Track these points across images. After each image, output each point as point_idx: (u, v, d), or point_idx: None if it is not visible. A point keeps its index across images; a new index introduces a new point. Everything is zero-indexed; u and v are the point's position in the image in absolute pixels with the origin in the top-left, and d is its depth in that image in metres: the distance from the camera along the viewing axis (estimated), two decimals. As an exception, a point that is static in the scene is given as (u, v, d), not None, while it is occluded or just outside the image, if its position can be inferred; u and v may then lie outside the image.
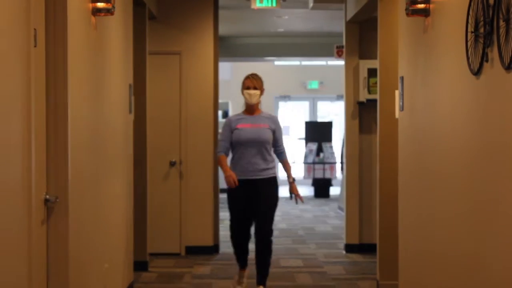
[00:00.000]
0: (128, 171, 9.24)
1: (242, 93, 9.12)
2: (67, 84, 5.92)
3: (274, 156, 9.29)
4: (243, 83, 9.14)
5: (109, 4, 6.97)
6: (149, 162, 11.02)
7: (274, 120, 9.20)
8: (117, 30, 8.33)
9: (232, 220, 9.17)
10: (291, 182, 9.20)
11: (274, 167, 9.14)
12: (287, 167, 9.27)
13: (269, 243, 8.98)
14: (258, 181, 8.98)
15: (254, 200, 8.97)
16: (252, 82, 9.10)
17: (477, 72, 5.47)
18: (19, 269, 4.90)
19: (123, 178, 8.88)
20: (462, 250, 5.95)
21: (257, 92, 9.07)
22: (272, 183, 9.08)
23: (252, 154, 8.97)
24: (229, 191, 9.05)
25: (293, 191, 9.19)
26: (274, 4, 12.29)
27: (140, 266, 10.51)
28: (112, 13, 7.10)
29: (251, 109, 9.16)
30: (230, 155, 9.26)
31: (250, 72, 9.38)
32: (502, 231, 5.02)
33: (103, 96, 7.58)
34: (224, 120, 10.04)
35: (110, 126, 7.96)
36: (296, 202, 9.29)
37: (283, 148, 9.24)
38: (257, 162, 8.98)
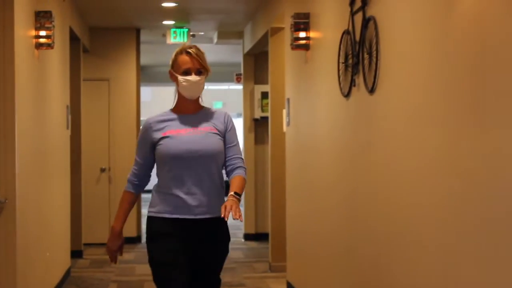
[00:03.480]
0: (66, 176, 9.13)
1: (175, 80, 4.33)
2: (14, 105, 5.84)
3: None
4: (178, 62, 4.33)
5: (49, 39, 6.91)
6: (83, 169, 10.90)
7: (223, 119, 4.41)
8: (57, 61, 8.22)
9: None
10: (233, 195, 4.10)
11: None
12: (237, 180, 4.25)
13: None
14: (205, 223, 4.22)
15: (195, 256, 4.24)
16: (195, 63, 4.32)
17: (347, 95, 5.55)
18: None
19: (62, 182, 8.77)
20: (335, 233, 6.02)
21: (202, 78, 4.32)
22: (224, 229, 4.32)
23: (195, 178, 4.21)
24: (151, 238, 4.35)
25: (227, 204, 4.01)
26: (185, 40, 12.25)
27: (76, 254, 10.37)
28: (52, 47, 7.03)
29: (187, 105, 4.36)
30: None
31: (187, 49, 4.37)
32: (362, 215, 5.11)
33: (45, 115, 7.48)
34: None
35: (51, 140, 7.85)
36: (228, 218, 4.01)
37: (240, 162, 4.35)
38: (203, 190, 4.21)
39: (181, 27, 12.09)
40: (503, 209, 3.00)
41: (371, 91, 4.90)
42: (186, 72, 4.29)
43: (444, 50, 3.67)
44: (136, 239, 12.05)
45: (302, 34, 7.08)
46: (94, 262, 10.40)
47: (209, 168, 4.27)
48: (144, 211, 11.59)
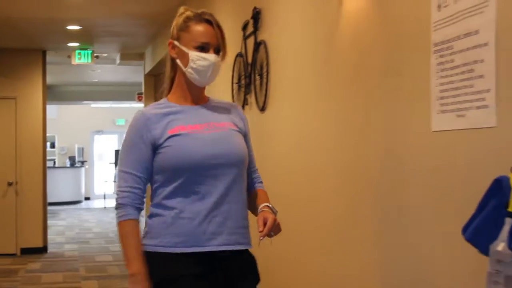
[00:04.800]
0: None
1: (179, 57, 2.91)
2: None
3: None
4: (192, 32, 2.81)
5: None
6: (-10, 183, 10.68)
7: (240, 114, 2.94)
8: (-35, 79, 8.08)
9: None
10: (267, 206, 2.78)
11: None
12: (264, 193, 2.95)
13: None
14: (237, 257, 2.74)
15: None
16: (215, 37, 2.77)
17: (240, 112, 5.64)
18: None
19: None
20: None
21: (220, 60, 2.81)
22: (254, 263, 2.85)
23: (219, 194, 2.69)
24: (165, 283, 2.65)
25: (268, 222, 2.63)
26: (89, 61, 12.18)
27: (-17, 264, 10.16)
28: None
29: (193, 94, 2.87)
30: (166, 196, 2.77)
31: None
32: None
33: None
34: (129, 128, 2.83)
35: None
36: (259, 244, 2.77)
37: (260, 177, 3.06)
38: (231, 211, 2.71)
39: (86, 49, 12.01)
40: (393, 203, 3.14)
41: (262, 109, 5.00)
42: (202, 48, 2.79)
43: (325, 72, 3.80)
44: (43, 249, 11.85)
45: (199, 56, 7.14)
46: (1, 271, 10.17)
47: (238, 179, 2.77)
48: (52, 222, 11.45)
